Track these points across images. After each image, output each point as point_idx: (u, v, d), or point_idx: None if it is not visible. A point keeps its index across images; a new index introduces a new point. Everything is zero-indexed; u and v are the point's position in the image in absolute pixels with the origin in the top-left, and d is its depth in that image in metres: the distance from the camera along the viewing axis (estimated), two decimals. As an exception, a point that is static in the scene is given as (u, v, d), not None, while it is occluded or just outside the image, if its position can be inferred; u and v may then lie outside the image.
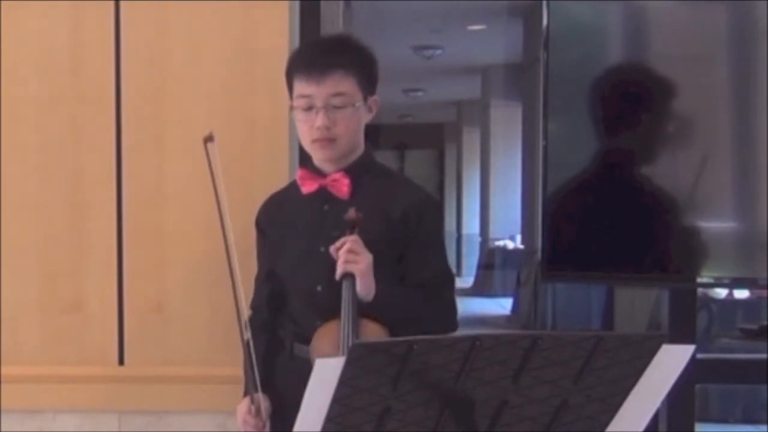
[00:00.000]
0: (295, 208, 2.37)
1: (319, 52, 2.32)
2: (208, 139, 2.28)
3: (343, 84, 2.26)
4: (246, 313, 2.34)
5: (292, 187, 2.41)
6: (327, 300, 2.27)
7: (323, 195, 2.31)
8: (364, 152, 2.36)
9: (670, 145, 2.68)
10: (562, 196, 2.70)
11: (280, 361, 2.39)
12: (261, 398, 2.26)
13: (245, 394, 2.34)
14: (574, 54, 2.70)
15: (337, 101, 2.25)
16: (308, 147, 2.33)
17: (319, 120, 2.25)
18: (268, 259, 2.44)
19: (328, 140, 2.26)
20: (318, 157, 2.32)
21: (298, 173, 2.39)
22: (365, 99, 2.31)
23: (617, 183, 2.70)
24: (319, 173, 2.34)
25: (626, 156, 2.70)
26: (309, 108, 2.27)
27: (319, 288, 2.29)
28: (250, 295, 2.44)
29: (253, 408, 2.25)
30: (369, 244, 2.19)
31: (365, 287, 2.17)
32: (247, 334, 2.25)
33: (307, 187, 2.33)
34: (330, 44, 2.40)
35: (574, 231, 2.71)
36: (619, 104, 2.69)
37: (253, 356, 2.21)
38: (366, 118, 2.34)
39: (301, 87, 2.28)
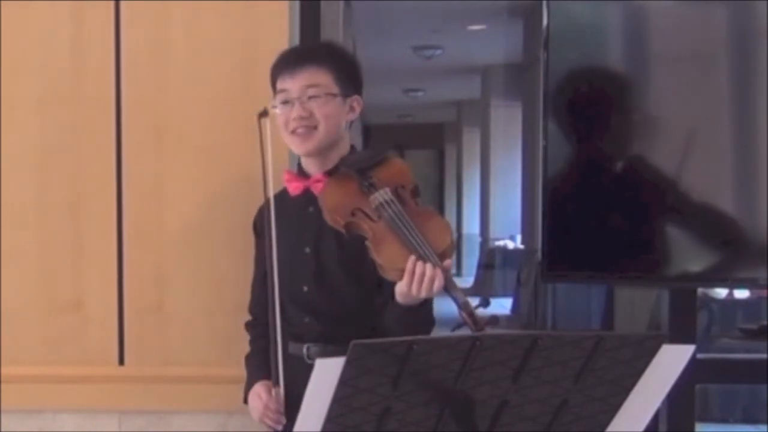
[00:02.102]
0: (285, 210, 2.38)
1: (296, 51, 2.42)
2: (263, 114, 2.26)
3: (318, 77, 2.30)
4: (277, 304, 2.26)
5: (285, 190, 2.42)
6: (313, 299, 2.31)
7: (308, 197, 2.33)
8: (351, 150, 2.38)
9: (669, 146, 2.68)
10: (562, 196, 2.70)
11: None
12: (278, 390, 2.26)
13: (247, 393, 2.37)
14: (574, 54, 2.70)
15: (311, 92, 2.29)
16: (288, 140, 2.35)
17: (295, 111, 2.29)
18: (262, 260, 2.44)
19: (306, 128, 2.29)
20: (298, 150, 2.35)
21: (285, 176, 2.41)
22: (345, 97, 2.32)
23: (617, 183, 2.70)
24: (305, 175, 2.36)
25: (626, 156, 2.70)
26: (286, 102, 2.31)
27: (305, 288, 2.32)
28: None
29: (273, 393, 2.23)
30: (354, 246, 2.21)
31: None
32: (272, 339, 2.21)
33: (293, 189, 2.36)
34: (308, 45, 2.52)
35: (574, 231, 2.71)
36: (619, 104, 2.69)
37: (279, 347, 2.18)
38: (348, 117, 2.35)
39: (279, 84, 2.33)
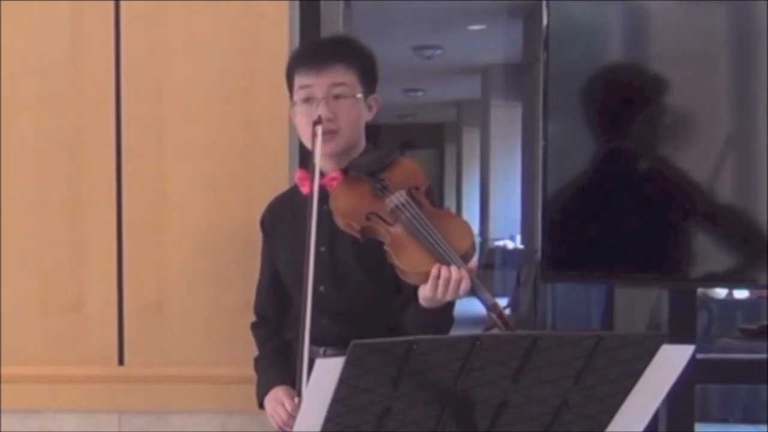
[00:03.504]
0: (297, 208, 2.36)
1: (320, 47, 2.34)
2: (317, 122, 2.20)
3: (345, 76, 2.25)
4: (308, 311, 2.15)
5: (296, 188, 2.39)
6: (330, 300, 2.27)
7: (322, 195, 2.29)
8: (364, 151, 2.34)
9: (669, 145, 2.68)
10: (562, 196, 2.70)
11: (289, 363, 2.39)
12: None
13: (261, 397, 2.35)
14: (574, 54, 2.70)
15: (338, 90, 2.24)
16: (309, 142, 2.32)
17: (320, 110, 2.23)
18: (272, 260, 2.43)
19: (329, 132, 2.23)
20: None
21: (297, 174, 2.38)
22: (365, 96, 2.30)
23: (617, 183, 2.70)
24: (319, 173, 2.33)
25: (626, 156, 2.70)
26: (309, 99, 2.25)
27: (321, 288, 2.26)
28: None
29: (297, 402, 2.18)
30: (370, 244, 2.18)
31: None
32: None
33: (306, 187, 2.32)
34: (330, 40, 2.41)
35: (574, 231, 2.71)
36: (619, 104, 2.69)
37: (306, 356, 2.10)
38: (367, 116, 2.32)
39: (301, 79, 2.27)
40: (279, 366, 2.38)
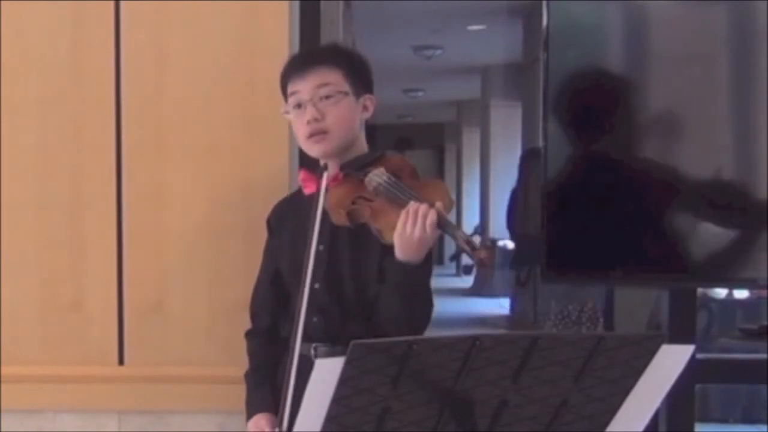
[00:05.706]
0: (301, 208, 2.38)
1: (303, 53, 2.46)
2: (324, 168, 2.27)
3: (328, 76, 2.30)
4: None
5: (301, 189, 2.42)
6: (323, 297, 2.29)
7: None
8: (366, 152, 2.37)
9: (670, 145, 2.68)
10: (562, 197, 2.70)
11: (282, 361, 2.39)
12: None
13: (249, 413, 2.39)
14: (574, 54, 2.70)
15: (323, 91, 2.28)
16: (304, 146, 2.34)
17: (308, 113, 2.28)
18: (275, 258, 2.44)
19: (320, 133, 2.28)
20: (314, 153, 2.33)
21: (300, 175, 2.40)
22: (357, 96, 2.32)
23: (617, 183, 2.70)
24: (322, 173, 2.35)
25: (626, 155, 2.70)
26: (299, 105, 2.30)
27: (316, 285, 2.29)
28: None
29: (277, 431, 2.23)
30: (366, 246, 2.22)
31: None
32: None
33: (308, 188, 2.35)
34: (317, 47, 2.53)
35: (574, 231, 2.71)
36: (619, 103, 2.69)
37: (291, 388, 2.15)
38: (362, 116, 2.35)
39: (291, 87, 2.33)
40: (265, 388, 2.40)
